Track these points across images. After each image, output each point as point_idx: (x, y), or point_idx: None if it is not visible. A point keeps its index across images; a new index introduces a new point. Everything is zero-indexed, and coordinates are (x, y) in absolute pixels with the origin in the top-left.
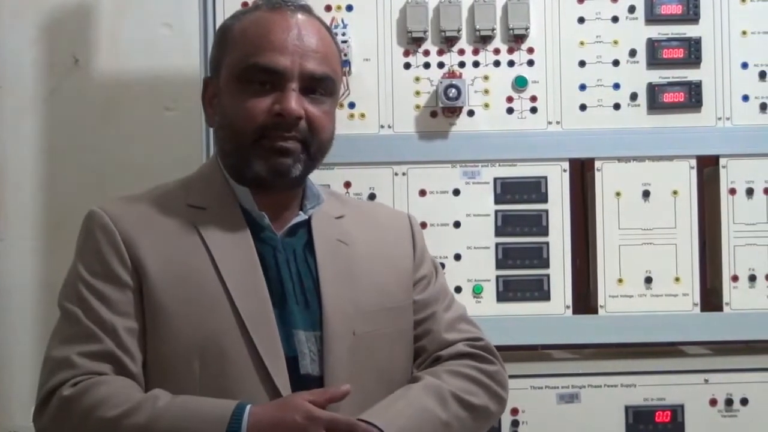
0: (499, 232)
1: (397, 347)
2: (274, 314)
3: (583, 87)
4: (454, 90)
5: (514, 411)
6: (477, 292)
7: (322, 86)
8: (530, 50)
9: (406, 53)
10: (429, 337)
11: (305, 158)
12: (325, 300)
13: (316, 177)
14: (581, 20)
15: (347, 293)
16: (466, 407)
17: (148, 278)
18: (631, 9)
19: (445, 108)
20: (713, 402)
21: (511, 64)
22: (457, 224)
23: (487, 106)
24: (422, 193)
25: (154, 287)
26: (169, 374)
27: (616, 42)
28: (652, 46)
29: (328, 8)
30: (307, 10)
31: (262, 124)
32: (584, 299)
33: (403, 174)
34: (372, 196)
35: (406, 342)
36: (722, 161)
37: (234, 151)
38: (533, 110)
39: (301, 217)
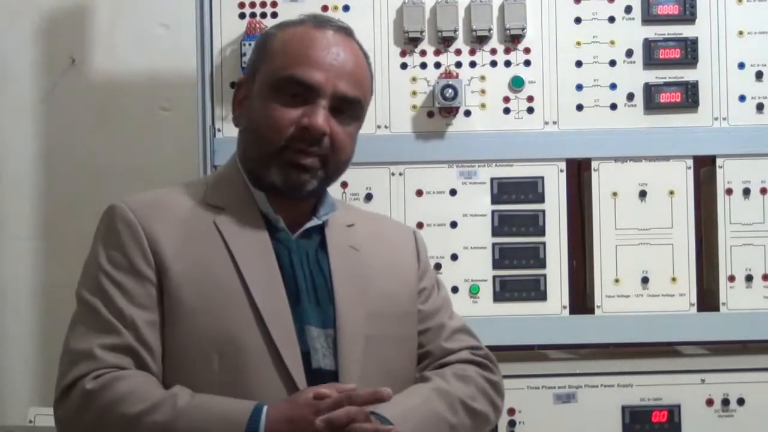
0: (495, 233)
1: (404, 352)
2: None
3: (579, 87)
4: (450, 90)
5: (511, 411)
6: (474, 292)
7: (350, 109)
8: (527, 50)
9: (403, 53)
10: (432, 344)
11: (322, 175)
12: (338, 299)
13: None
14: (578, 20)
15: (358, 296)
16: (470, 413)
17: (169, 273)
18: (628, 9)
19: (441, 108)
20: (710, 402)
21: (507, 64)
22: (453, 224)
23: (483, 106)
24: (419, 193)
25: (175, 282)
26: (188, 367)
27: (612, 42)
28: (649, 46)
29: (325, 8)
30: (349, 32)
31: (289, 135)
32: (581, 299)
33: (400, 174)
34: (369, 197)
35: (411, 348)
36: (719, 161)
37: (256, 157)
38: (530, 110)
39: (315, 222)
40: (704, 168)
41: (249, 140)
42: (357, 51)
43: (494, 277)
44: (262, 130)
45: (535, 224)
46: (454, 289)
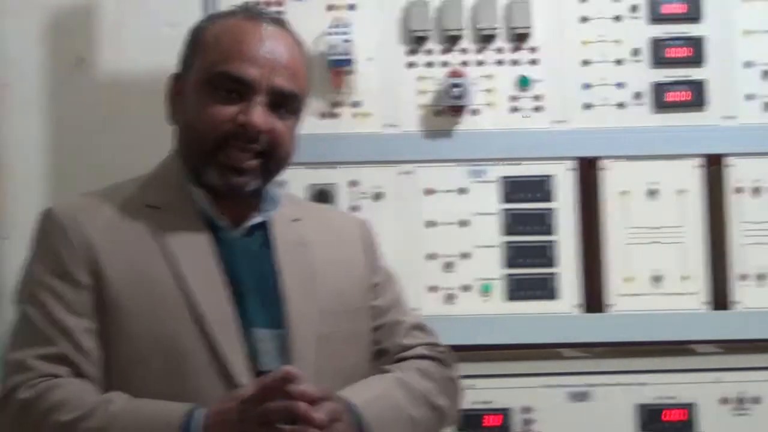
0: (506, 231)
1: (357, 350)
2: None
3: (587, 86)
4: (457, 89)
5: (525, 409)
6: (485, 290)
7: (288, 103)
8: (533, 49)
9: (410, 52)
10: (388, 342)
11: (262, 174)
12: (289, 299)
13: (320, 176)
14: (584, 19)
15: (308, 294)
16: (432, 408)
17: (105, 278)
18: (634, 8)
19: (449, 107)
20: (724, 400)
21: (514, 63)
22: (463, 223)
23: (491, 105)
24: (428, 192)
25: (112, 288)
26: (130, 375)
27: (619, 41)
28: (656, 45)
29: (331, 7)
30: (282, 23)
31: (224, 132)
32: (593, 298)
33: (409, 173)
34: (377, 196)
35: (364, 345)
36: (728, 160)
37: (193, 155)
38: (537, 109)
39: (259, 218)
40: (714, 167)
41: (185, 139)
42: (292, 43)
43: (506, 276)
44: (198, 128)
45: (545, 223)
46: (466, 288)
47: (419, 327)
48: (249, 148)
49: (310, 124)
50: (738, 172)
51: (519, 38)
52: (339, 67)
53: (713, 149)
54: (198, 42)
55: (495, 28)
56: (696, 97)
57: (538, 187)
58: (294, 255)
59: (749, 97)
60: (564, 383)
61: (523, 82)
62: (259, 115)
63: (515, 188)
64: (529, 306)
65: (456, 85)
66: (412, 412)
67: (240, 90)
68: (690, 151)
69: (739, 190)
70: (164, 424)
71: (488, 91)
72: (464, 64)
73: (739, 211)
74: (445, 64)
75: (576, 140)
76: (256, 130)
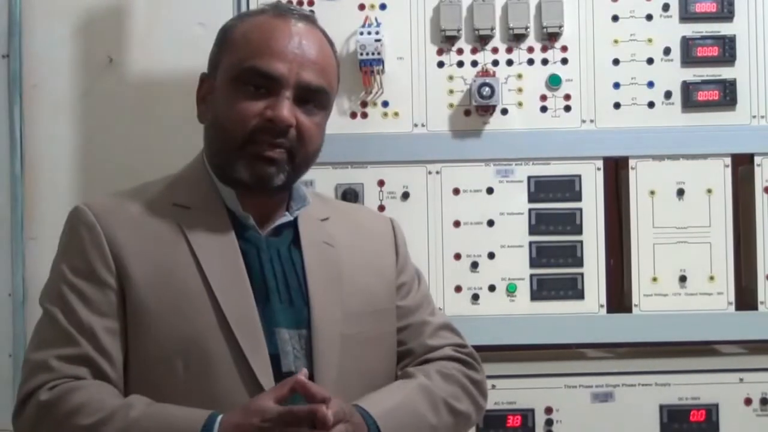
0: (533, 231)
1: (382, 350)
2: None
3: (617, 85)
4: (487, 88)
5: (548, 410)
6: (511, 290)
7: (316, 98)
8: (564, 48)
9: (440, 52)
10: (414, 342)
11: (290, 168)
12: (313, 299)
13: (348, 176)
14: (615, 18)
15: (334, 294)
16: (453, 413)
17: (131, 279)
18: (666, 7)
19: (478, 106)
20: (748, 401)
21: (544, 62)
22: (490, 223)
23: (520, 104)
24: (456, 191)
25: (137, 288)
26: (153, 375)
27: (650, 40)
28: (687, 44)
29: (362, 7)
30: (311, 20)
31: (252, 127)
32: (618, 298)
33: (437, 173)
34: (405, 195)
35: (389, 346)
36: (757, 159)
37: (221, 152)
38: (567, 108)
39: (287, 218)
40: (742, 166)
41: (214, 135)
42: (321, 39)
43: (531, 276)
44: (226, 124)
45: (572, 223)
46: (491, 288)
47: (446, 327)
48: (277, 142)
49: (339, 124)
50: (767, 172)
51: (550, 37)
52: (369, 66)
53: (742, 149)
54: (227, 40)
55: (526, 28)
56: (726, 96)
57: (566, 187)
58: (321, 255)
59: None
60: (588, 384)
61: (554, 81)
62: (286, 109)
63: (543, 188)
64: (554, 306)
65: (485, 85)
66: (432, 420)
67: (268, 85)
68: (719, 151)
69: (767, 190)
70: (184, 431)
71: (518, 90)
72: (494, 63)
73: (767, 210)
74: (475, 63)
75: (605, 140)
76: (284, 124)
